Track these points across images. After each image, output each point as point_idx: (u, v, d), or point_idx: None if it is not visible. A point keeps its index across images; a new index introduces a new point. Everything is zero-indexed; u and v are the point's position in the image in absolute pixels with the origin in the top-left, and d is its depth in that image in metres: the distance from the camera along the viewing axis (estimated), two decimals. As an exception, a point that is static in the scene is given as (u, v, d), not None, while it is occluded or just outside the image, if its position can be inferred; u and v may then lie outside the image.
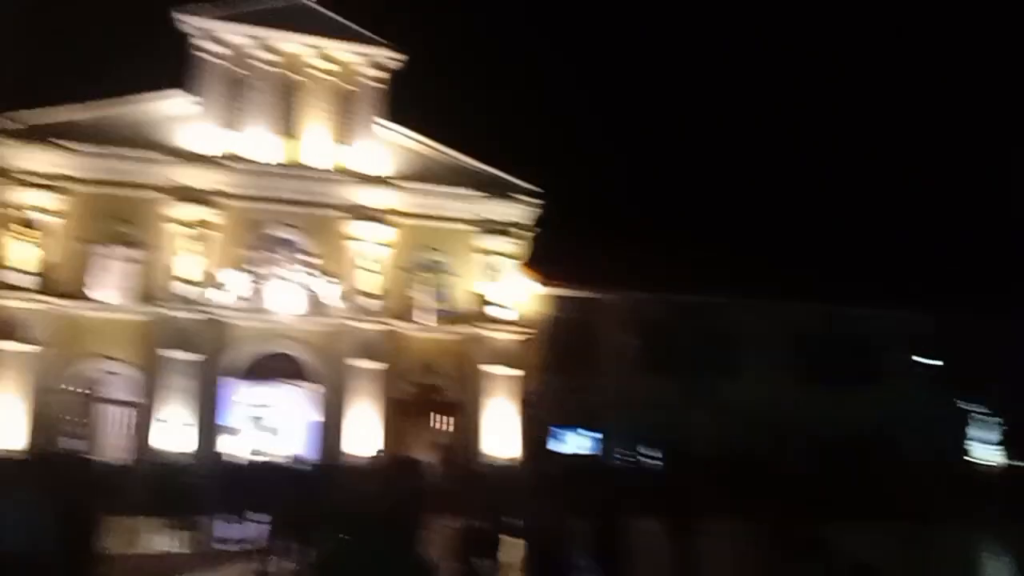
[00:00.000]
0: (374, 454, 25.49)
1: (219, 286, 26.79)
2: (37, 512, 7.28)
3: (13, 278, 24.87)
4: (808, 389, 29.86)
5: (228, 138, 28.17)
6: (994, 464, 32.70)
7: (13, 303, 24.78)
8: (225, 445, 26.05)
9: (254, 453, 26.10)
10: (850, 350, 31.39)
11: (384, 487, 8.47)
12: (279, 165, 28.41)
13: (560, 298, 30.59)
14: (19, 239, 25.08)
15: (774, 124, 54.61)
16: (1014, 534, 21.06)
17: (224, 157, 27.83)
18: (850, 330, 31.74)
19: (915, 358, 32.90)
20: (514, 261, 30.10)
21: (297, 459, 21.23)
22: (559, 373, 29.19)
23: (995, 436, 33.32)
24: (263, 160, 28.29)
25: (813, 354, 30.94)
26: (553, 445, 29.27)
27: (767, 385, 29.70)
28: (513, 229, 30.32)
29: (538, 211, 30.81)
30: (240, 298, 26.98)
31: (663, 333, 30.26)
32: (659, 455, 29.55)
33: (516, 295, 29.83)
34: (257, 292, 27.21)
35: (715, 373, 29.79)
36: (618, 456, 29.35)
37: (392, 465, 13.71)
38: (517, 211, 30.52)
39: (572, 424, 29.76)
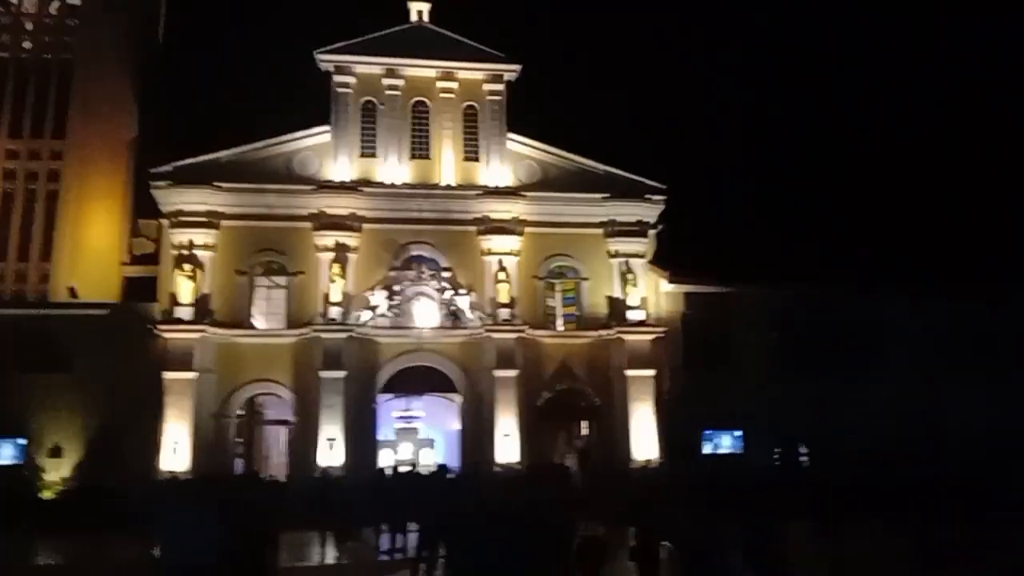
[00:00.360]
0: (516, 461, 26.14)
1: (364, 306, 28.12)
2: (207, 528, 8.00)
3: (181, 312, 26.99)
4: (961, 383, 28.06)
5: (363, 164, 29.61)
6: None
7: (180, 336, 26.88)
8: (377, 457, 27.32)
9: (403, 464, 27.22)
10: (1005, 342, 29.29)
11: (530, 493, 8.69)
12: (407, 185, 29.57)
13: (692, 295, 30.16)
14: (184, 276, 27.18)
15: (911, 112, 51.66)
16: None
17: (358, 182, 29.23)
18: (1005, 322, 29.62)
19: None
20: (642, 260, 30.02)
21: (442, 468, 21.89)
22: (696, 372, 28.79)
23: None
24: (394, 182, 29.52)
25: (965, 348, 29.07)
26: (695, 446, 28.81)
27: (917, 380, 28.08)
28: (639, 228, 30.26)
29: (662, 208, 30.63)
30: (383, 315, 28.23)
31: (804, 328, 29.13)
32: (805, 453, 28.58)
33: (646, 295, 29.69)
34: (399, 309, 28.38)
35: (862, 368, 28.48)
36: (763, 455, 28.52)
37: (536, 471, 14.01)
38: (642, 210, 30.46)
39: (712, 424, 29.21)
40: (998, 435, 24.93)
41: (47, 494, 24.76)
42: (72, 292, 28.61)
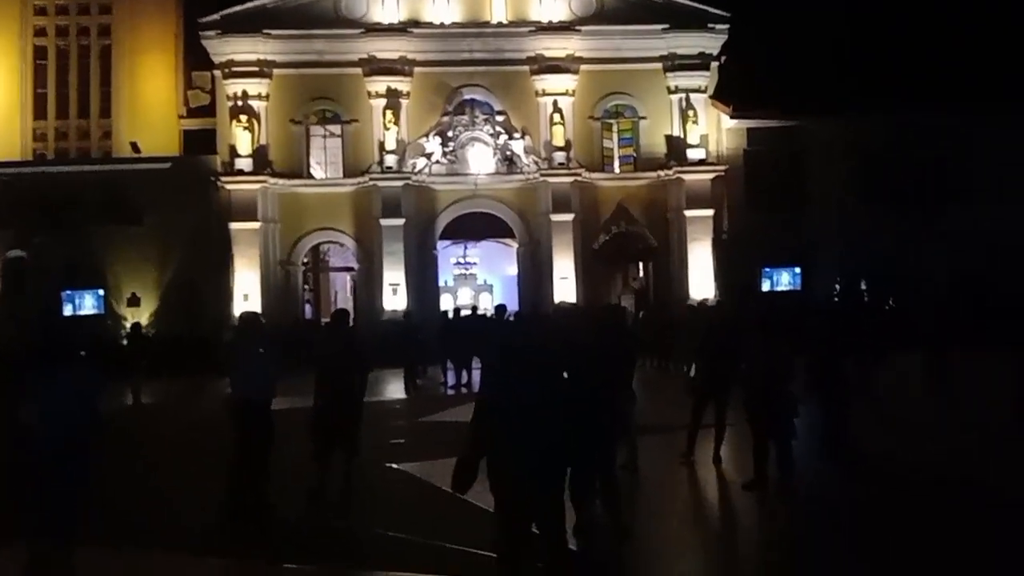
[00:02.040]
0: (569, 303, 26.53)
1: (419, 153, 28.03)
2: (271, 366, 8.49)
3: (241, 164, 27.38)
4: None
5: (411, 4, 28.62)
6: None
7: (243, 187, 27.35)
8: (439, 302, 28.06)
9: (463, 308, 27.91)
10: None
11: (593, 329, 8.80)
12: (457, 24, 28.62)
13: (755, 130, 29.17)
14: (241, 127, 27.34)
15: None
16: None
17: (407, 23, 28.40)
18: None
19: None
20: (703, 95, 28.95)
21: (501, 308, 22.24)
22: (758, 210, 28.22)
23: None
24: (444, 21, 28.58)
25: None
26: (754, 284, 28.68)
27: (1007, 210, 26.46)
28: (699, 61, 28.98)
29: (725, 38, 29.16)
30: (438, 162, 28.15)
31: (878, 159, 27.74)
32: (865, 289, 28.14)
33: (707, 132, 28.84)
34: (453, 155, 28.22)
35: (944, 199, 26.93)
36: (825, 292, 28.26)
37: (598, 310, 14.14)
38: (704, 40, 29.01)
39: (773, 262, 28.88)
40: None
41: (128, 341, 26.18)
42: (135, 147, 29.08)
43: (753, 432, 8.82)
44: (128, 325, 25.74)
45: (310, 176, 28.99)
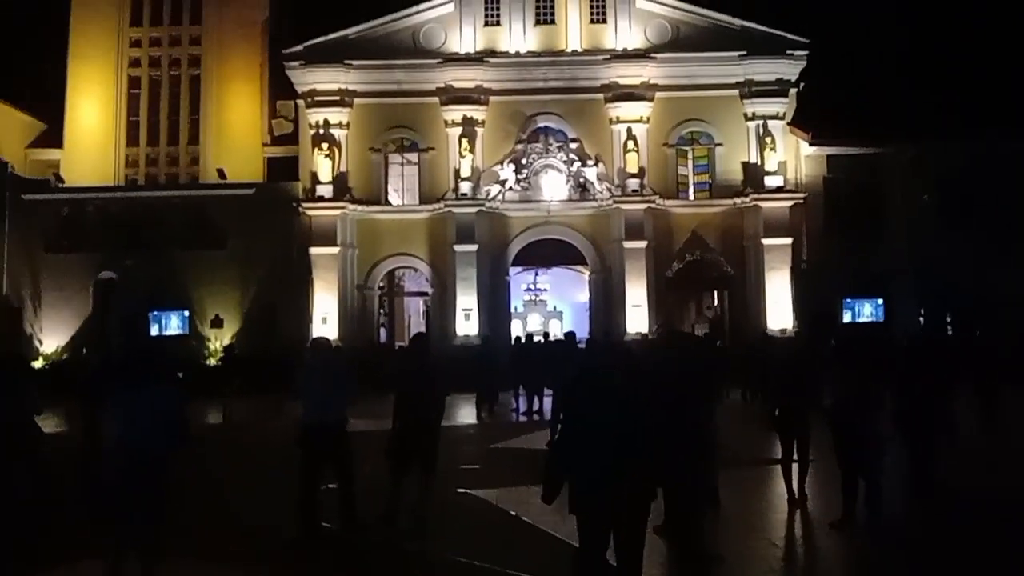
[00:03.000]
0: (645, 331, 26.25)
1: (493, 180, 28.34)
2: (344, 390, 8.64)
3: (322, 190, 28.14)
4: None
5: (487, 34, 29.14)
6: None
7: (324, 213, 28.07)
8: (510, 328, 28.16)
9: (535, 334, 27.91)
10: None
11: (664, 355, 8.62)
12: (532, 53, 28.95)
13: (835, 157, 28.57)
14: (322, 155, 28.15)
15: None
16: None
17: (483, 53, 28.87)
18: None
19: None
20: (781, 122, 28.55)
21: (571, 335, 22.16)
22: (838, 239, 27.56)
23: None
24: (519, 51, 28.96)
25: None
26: (834, 315, 27.96)
27: None
28: (777, 87, 28.63)
29: (804, 64, 28.75)
30: (512, 189, 28.39)
31: (959, 186, 26.83)
32: (950, 320, 27.11)
33: (785, 159, 28.39)
34: (527, 182, 28.43)
35: (1004, 228, 25.92)
36: (908, 324, 27.30)
37: (669, 335, 13.92)
38: (782, 67, 28.68)
39: (853, 292, 28.15)
40: None
41: (212, 360, 27.02)
42: (221, 173, 30.16)
43: (841, 468, 8.56)
44: (218, 346, 26.61)
45: (387, 203, 29.58)
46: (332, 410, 8.43)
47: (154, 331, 27.90)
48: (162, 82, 34.06)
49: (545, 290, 32.67)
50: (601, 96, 28.65)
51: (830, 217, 28.13)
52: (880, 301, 28.03)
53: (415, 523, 8.56)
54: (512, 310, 30.20)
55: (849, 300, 27.84)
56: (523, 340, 24.71)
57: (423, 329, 29.60)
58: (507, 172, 28.40)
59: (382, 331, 29.86)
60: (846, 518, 8.43)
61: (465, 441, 15.51)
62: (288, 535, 8.17)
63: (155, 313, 28.00)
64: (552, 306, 33.26)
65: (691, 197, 29.27)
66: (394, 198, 29.95)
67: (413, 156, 29.41)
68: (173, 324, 28.48)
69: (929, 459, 9.50)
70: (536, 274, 30.36)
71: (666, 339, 9.49)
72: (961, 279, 25.77)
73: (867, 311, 28.12)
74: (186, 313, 28.38)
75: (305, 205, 28.23)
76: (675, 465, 6.42)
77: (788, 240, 27.84)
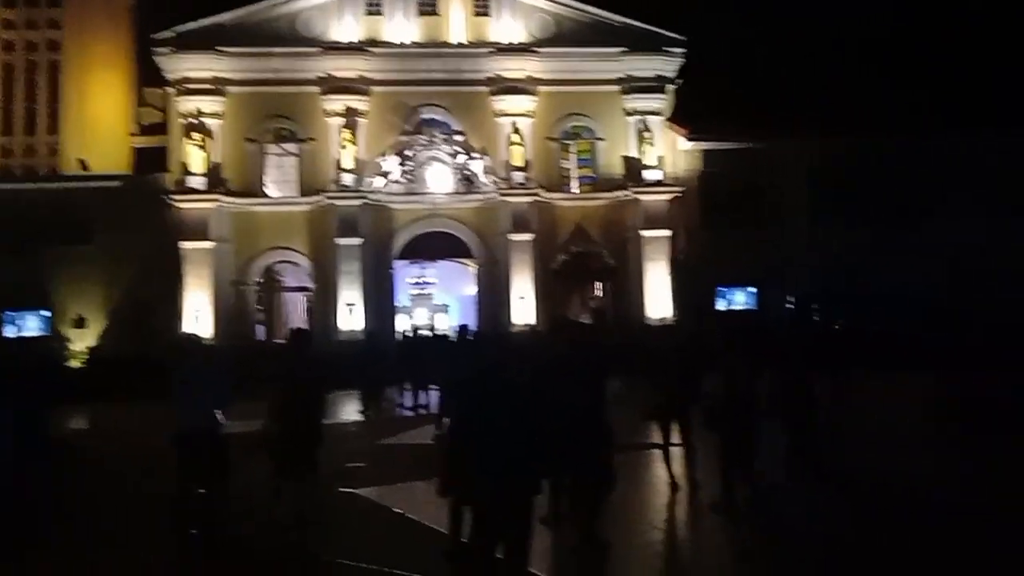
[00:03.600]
0: (532, 323, 26.45)
1: (376, 172, 27.83)
2: (224, 390, 8.21)
3: (193, 182, 26.87)
4: (1010, 225, 26.60)
5: (369, 23, 28.54)
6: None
7: (195, 205, 26.83)
8: (395, 322, 27.77)
9: (421, 329, 27.67)
10: None
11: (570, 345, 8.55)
12: (416, 44, 28.59)
13: (711, 152, 29.53)
14: (194, 145, 26.87)
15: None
16: None
17: (365, 43, 28.29)
18: None
19: None
20: (660, 118, 29.26)
21: (464, 328, 22.06)
22: (714, 231, 28.50)
23: None
24: (403, 41, 28.53)
25: (1014, 189, 27.27)
26: (709, 303, 28.89)
27: (961, 227, 26.29)
28: (655, 84, 29.31)
29: (682, 62, 29.57)
30: (396, 182, 27.96)
31: (829, 181, 28.05)
32: (816, 308, 28.39)
33: (664, 154, 29.13)
34: (411, 174, 28.06)
35: (893, 220, 27.28)
36: (779, 312, 28.53)
37: (557, 323, 13.95)
38: (660, 64, 29.40)
39: (728, 282, 29.20)
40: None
41: (74, 363, 25.41)
42: (83, 165, 28.40)
43: (721, 452, 8.72)
44: (82, 348, 25.05)
45: (265, 195, 28.56)
46: (204, 413, 7.96)
47: (10, 332, 25.99)
48: (16, 66, 31.79)
49: (432, 283, 32.37)
50: (486, 89, 28.60)
51: (707, 210, 29.04)
52: (753, 290, 29.20)
53: (298, 525, 8.22)
54: (399, 304, 29.80)
55: (723, 289, 28.85)
56: (411, 334, 24.47)
57: (304, 325, 28.83)
58: (391, 164, 27.96)
59: (260, 328, 28.83)
60: (727, 501, 8.62)
61: (350, 438, 15.12)
62: (161, 542, 7.69)
63: (10, 313, 26.08)
64: (439, 300, 32.98)
65: (575, 190, 29.63)
66: (272, 191, 28.97)
67: (292, 147, 28.54)
68: (31, 325, 26.63)
69: (804, 441, 9.86)
70: (422, 268, 29.99)
71: (560, 330, 9.43)
72: (832, 270, 27.00)
73: (740, 299, 29.25)
74: (46, 313, 26.57)
75: (175, 197, 26.91)
76: (580, 454, 6.70)
77: (667, 232, 28.60)
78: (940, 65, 30.36)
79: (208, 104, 27.48)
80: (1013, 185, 27.60)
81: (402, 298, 30.12)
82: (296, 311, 31.06)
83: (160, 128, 29.63)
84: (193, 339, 9.15)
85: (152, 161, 28.94)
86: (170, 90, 28.18)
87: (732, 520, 8.49)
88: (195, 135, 27.03)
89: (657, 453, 10.28)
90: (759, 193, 28.89)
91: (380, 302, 27.76)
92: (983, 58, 31.33)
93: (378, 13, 28.76)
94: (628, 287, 28.84)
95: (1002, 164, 27.91)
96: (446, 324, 29.42)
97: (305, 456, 8.42)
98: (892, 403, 14.76)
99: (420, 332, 26.00)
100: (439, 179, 28.21)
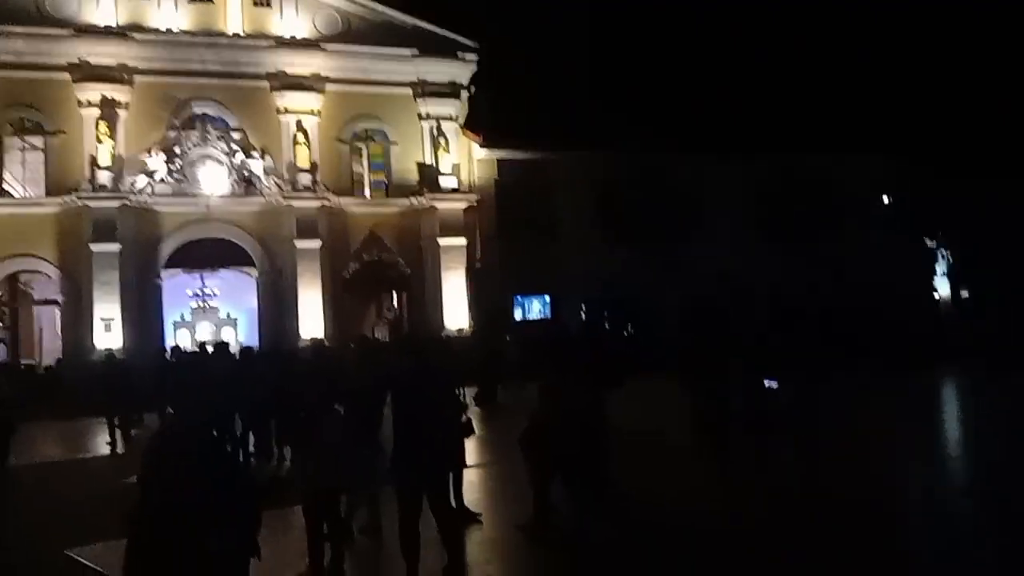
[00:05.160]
0: (321, 336, 24.69)
1: (140, 170, 24.86)
2: None
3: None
4: (772, 243, 29.10)
5: (132, 5, 25.54)
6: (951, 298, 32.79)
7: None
8: (166, 339, 24.85)
9: (195, 345, 24.98)
10: (812, 199, 29.96)
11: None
12: (187, 32, 25.92)
13: (506, 161, 29.15)
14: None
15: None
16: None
17: (127, 27, 25.28)
18: (811, 179, 30.40)
19: (878, 201, 32.32)
20: (453, 124, 28.47)
21: (242, 348, 20.14)
22: (510, 240, 28.10)
23: (948, 271, 33.35)
24: (171, 28, 25.76)
25: (775, 208, 29.64)
26: (511, 313, 28.53)
27: (730, 243, 28.66)
28: (449, 89, 28.52)
29: (475, 68, 28.97)
30: (164, 182, 25.12)
31: (620, 194, 28.74)
32: (618, 318, 28.85)
33: (459, 161, 28.37)
34: (182, 174, 25.33)
35: (674, 233, 28.49)
36: (574, 320, 28.61)
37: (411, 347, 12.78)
38: (454, 69, 28.65)
39: (524, 291, 28.97)
40: (806, 293, 25.88)
41: None
42: None
43: (530, 469, 8.14)
44: None
45: (4, 194, 24.73)
46: None
47: None
48: None
49: (215, 295, 29.49)
50: (267, 84, 26.46)
51: (502, 219, 28.59)
52: (547, 298, 29.18)
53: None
54: (179, 319, 26.90)
55: (520, 297, 28.58)
56: (185, 352, 21.86)
57: (56, 344, 25.33)
58: (157, 162, 25.06)
59: (0, 347, 24.90)
60: (537, 520, 7.95)
61: (89, 477, 12.82)
62: None
63: None
64: (225, 313, 30.07)
65: (367, 196, 28.12)
66: (14, 189, 25.16)
67: (38, 140, 24.92)
68: None
69: (600, 457, 9.11)
70: (203, 278, 27.07)
71: (407, 347, 8.31)
72: (622, 280, 27.56)
73: (536, 308, 29.11)
74: None
75: None
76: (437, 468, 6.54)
77: (463, 241, 27.83)
78: (723, 88, 32.11)
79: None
80: (763, 207, 29.81)
81: (183, 312, 27.12)
82: (49, 327, 27.32)
83: None
84: None
85: None
86: None
87: (537, 539, 7.80)
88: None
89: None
90: (550, 203, 28.92)
91: (145, 316, 24.71)
92: (759, 84, 33.52)
93: (145, -6, 25.78)
94: (425, 297, 27.72)
95: (757, 188, 30.00)
96: (233, 338, 26.82)
97: None
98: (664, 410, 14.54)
99: (201, 348, 23.55)
100: (214, 180, 25.63)
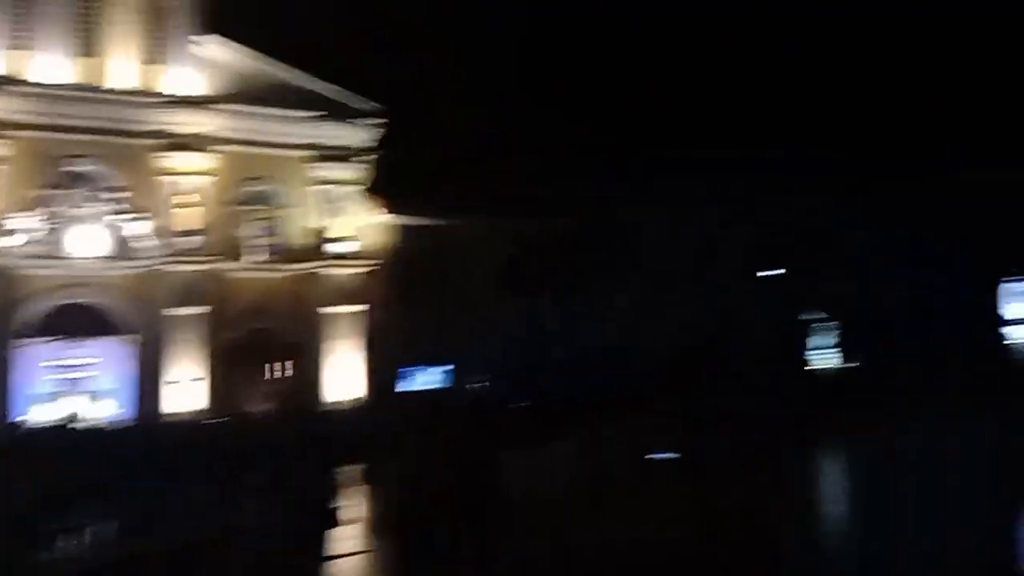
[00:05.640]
0: (202, 408, 23.28)
1: (5, 231, 23.21)
2: None
3: None
4: (654, 302, 29.37)
5: (12, 57, 24.21)
6: (831, 368, 33.11)
7: None
8: (24, 413, 22.92)
9: (61, 420, 23.16)
10: (693, 260, 30.60)
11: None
12: (71, 86, 24.63)
13: (409, 227, 28.48)
14: None
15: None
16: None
17: (5, 80, 23.88)
18: (694, 240, 31.04)
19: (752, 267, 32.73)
20: (355, 189, 27.73)
21: (112, 422, 18.58)
22: (411, 306, 27.21)
23: (831, 341, 33.68)
24: (52, 81, 24.44)
25: (655, 267, 29.99)
26: (403, 384, 27.49)
27: (609, 302, 29.01)
28: (352, 154, 27.87)
29: (379, 132, 28.39)
30: (31, 243, 23.50)
31: (522, 259, 28.81)
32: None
33: (358, 226, 27.57)
34: (53, 235, 23.78)
35: (563, 293, 28.61)
36: (474, 387, 27.78)
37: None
38: (356, 134, 28.10)
39: (424, 359, 28.01)
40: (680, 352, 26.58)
41: None
42: None
43: None
44: None
45: None
46: None
47: None
48: None
49: (91, 364, 27.43)
50: (151, 143, 25.28)
51: (403, 286, 27.78)
52: (451, 367, 28.38)
53: None
54: (46, 391, 24.75)
55: (415, 367, 27.86)
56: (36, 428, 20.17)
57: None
58: (26, 222, 23.45)
59: None
60: None
61: None
62: None
63: None
64: (99, 384, 27.96)
65: (257, 260, 26.89)
66: None
67: None
68: None
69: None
70: (66, 347, 25.06)
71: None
72: (523, 342, 27.41)
73: (433, 377, 28.25)
74: None
75: None
76: None
77: (359, 308, 26.91)
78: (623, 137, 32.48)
79: None
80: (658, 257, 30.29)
81: (36, 383, 25.00)
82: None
83: None
84: None
85: None
86: None
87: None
88: None
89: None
90: (455, 268, 28.35)
91: (2, 388, 22.72)
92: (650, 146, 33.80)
93: (27, 48, 24.47)
94: (317, 367, 26.46)
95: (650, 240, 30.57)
96: (107, 412, 24.88)
97: None
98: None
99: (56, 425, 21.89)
100: (88, 242, 24.11)
